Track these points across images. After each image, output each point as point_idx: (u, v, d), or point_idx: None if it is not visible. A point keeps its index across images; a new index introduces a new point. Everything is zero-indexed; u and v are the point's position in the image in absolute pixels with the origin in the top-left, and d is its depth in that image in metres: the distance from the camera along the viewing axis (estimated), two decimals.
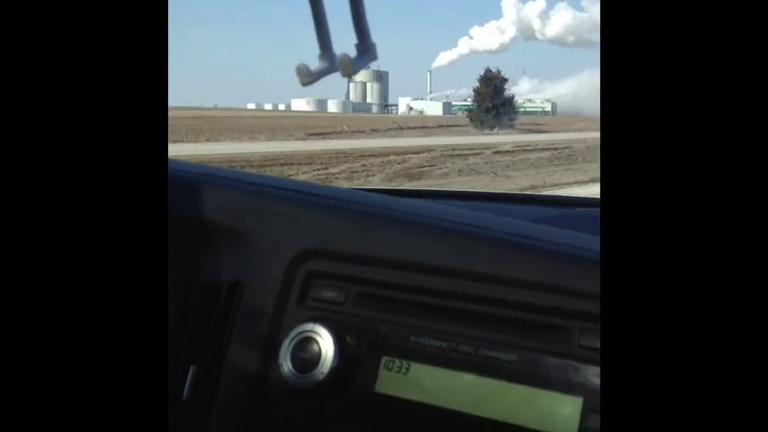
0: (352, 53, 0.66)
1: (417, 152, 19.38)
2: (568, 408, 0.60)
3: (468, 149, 21.04)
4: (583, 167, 16.88)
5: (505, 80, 46.69)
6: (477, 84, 45.54)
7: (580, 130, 42.33)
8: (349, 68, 0.65)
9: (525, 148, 22.90)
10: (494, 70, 45.76)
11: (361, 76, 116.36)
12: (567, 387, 0.61)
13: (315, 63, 0.65)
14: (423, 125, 41.91)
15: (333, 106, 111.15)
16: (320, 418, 0.69)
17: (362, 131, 34.19)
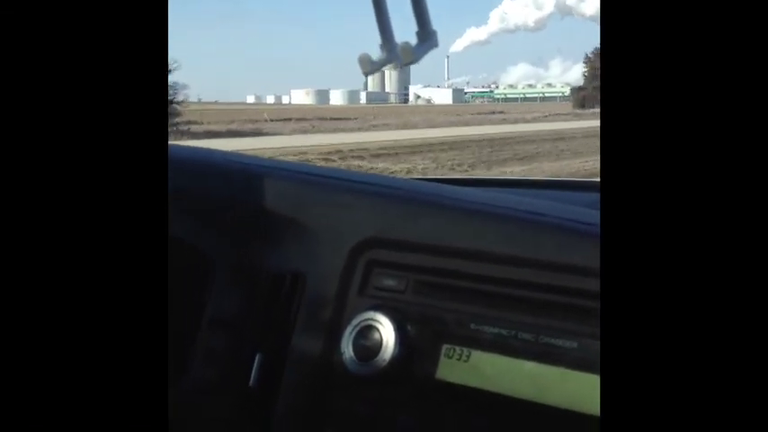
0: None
1: None
2: None
3: None
4: None
5: None
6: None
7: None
8: (410, 56, 0.65)
9: None
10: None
11: None
12: None
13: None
14: None
15: (338, 97, 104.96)
16: (381, 406, 0.69)
17: None
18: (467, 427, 0.67)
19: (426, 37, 0.66)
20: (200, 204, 0.84)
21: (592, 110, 39.39)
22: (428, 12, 0.66)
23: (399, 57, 0.66)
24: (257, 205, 0.80)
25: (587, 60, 47.79)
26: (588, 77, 45.29)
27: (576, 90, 47.35)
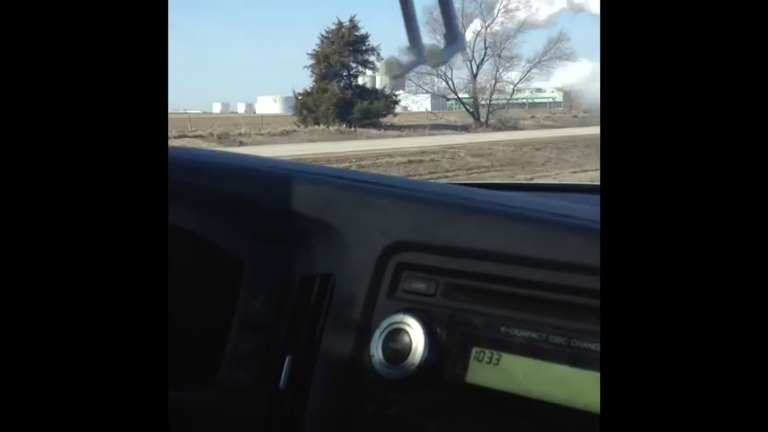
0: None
1: None
2: None
3: None
4: None
5: None
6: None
7: None
8: (437, 59, 0.65)
9: None
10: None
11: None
12: None
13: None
14: None
15: None
16: (411, 409, 0.69)
17: None
18: None
19: (453, 39, 0.66)
20: (230, 207, 0.84)
21: (313, 127, 25.37)
22: (456, 13, 0.66)
23: (426, 59, 0.66)
24: (286, 207, 0.80)
25: (314, 56, 29.44)
26: (317, 76, 28.74)
27: (305, 95, 28.87)
